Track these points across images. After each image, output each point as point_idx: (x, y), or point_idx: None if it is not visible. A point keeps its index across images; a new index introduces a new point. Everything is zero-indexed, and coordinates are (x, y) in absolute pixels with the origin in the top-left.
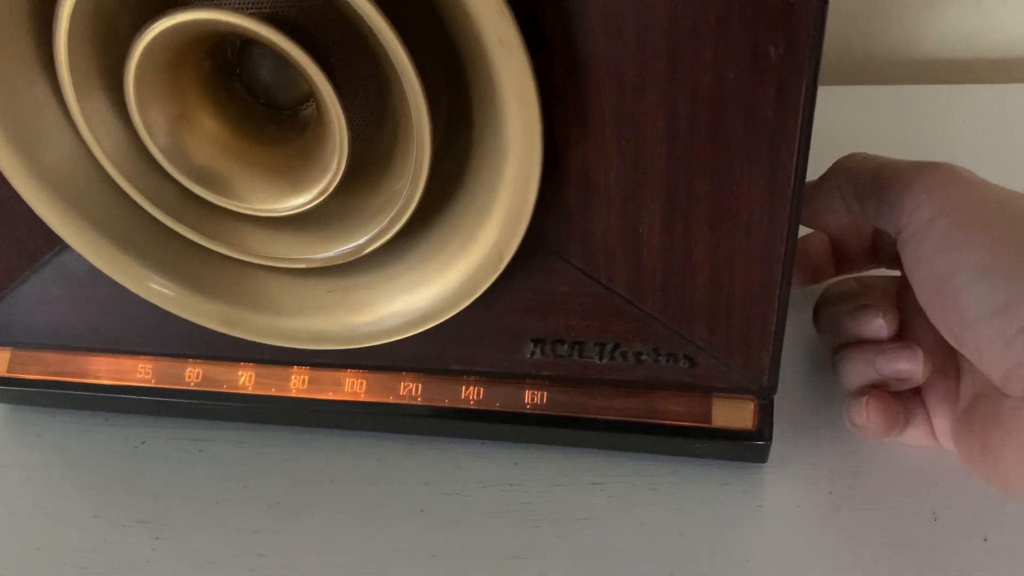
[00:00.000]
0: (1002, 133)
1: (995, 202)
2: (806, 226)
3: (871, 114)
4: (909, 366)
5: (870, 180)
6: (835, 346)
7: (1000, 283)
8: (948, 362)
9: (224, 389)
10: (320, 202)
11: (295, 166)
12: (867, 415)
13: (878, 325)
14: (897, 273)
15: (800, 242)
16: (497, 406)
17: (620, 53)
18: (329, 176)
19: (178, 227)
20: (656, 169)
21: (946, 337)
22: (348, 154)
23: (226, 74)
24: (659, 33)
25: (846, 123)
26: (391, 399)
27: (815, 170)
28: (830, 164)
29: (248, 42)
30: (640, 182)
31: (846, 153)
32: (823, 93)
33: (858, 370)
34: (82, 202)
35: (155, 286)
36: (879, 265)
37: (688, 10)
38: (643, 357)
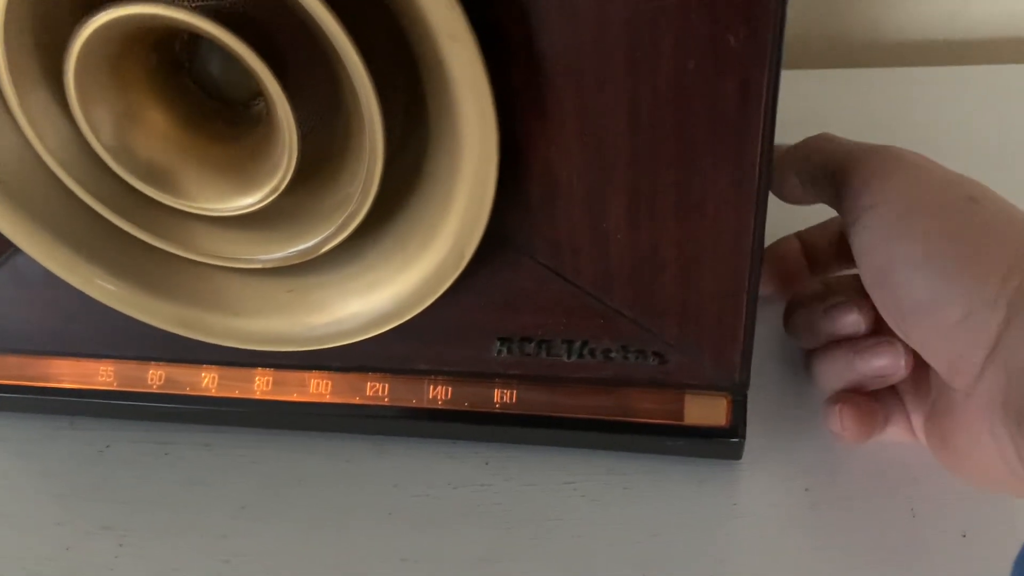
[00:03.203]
0: (986, 115)
1: (939, 190)
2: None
3: (851, 98)
4: (888, 361)
5: (827, 162)
6: (809, 349)
7: (935, 275)
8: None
9: (188, 391)
10: (271, 201)
11: (245, 164)
12: (840, 423)
13: (853, 320)
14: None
15: (772, 249)
16: (466, 406)
17: (578, 46)
18: (279, 175)
19: (128, 227)
20: (619, 163)
21: (893, 329)
22: (298, 153)
23: (174, 68)
24: (617, 24)
25: (824, 108)
26: (357, 400)
27: None
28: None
29: (197, 35)
30: (603, 176)
31: None
32: (801, 77)
33: (836, 372)
34: (29, 201)
35: (108, 287)
36: (845, 264)
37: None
38: (612, 354)
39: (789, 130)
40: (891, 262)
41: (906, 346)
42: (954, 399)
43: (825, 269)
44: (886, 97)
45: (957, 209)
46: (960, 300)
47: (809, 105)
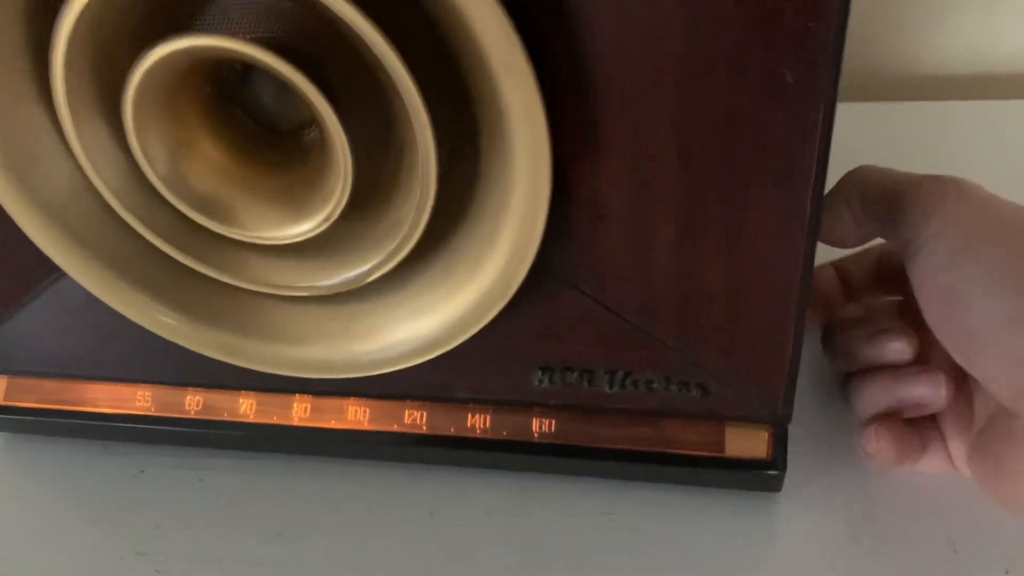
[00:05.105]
0: (1012, 150)
1: (1004, 217)
2: None
3: (878, 131)
4: (930, 391)
5: (879, 192)
6: (848, 373)
7: (1009, 298)
8: (961, 384)
9: (225, 417)
10: (324, 230)
11: (298, 193)
12: (876, 443)
13: (898, 348)
14: (899, 298)
15: None
16: (504, 435)
17: (630, 78)
18: (333, 203)
19: (179, 255)
20: (668, 195)
21: (953, 355)
22: (352, 181)
23: (227, 99)
24: (671, 57)
25: (853, 141)
26: (395, 427)
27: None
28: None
29: (249, 66)
30: (651, 208)
31: None
32: None
33: (874, 397)
34: (80, 230)
35: (156, 315)
36: (882, 292)
37: (701, 35)
38: (654, 385)
39: None
40: (960, 288)
41: (947, 376)
42: (1014, 427)
43: (860, 297)
44: (917, 130)
45: None
46: None
47: (841, 137)
